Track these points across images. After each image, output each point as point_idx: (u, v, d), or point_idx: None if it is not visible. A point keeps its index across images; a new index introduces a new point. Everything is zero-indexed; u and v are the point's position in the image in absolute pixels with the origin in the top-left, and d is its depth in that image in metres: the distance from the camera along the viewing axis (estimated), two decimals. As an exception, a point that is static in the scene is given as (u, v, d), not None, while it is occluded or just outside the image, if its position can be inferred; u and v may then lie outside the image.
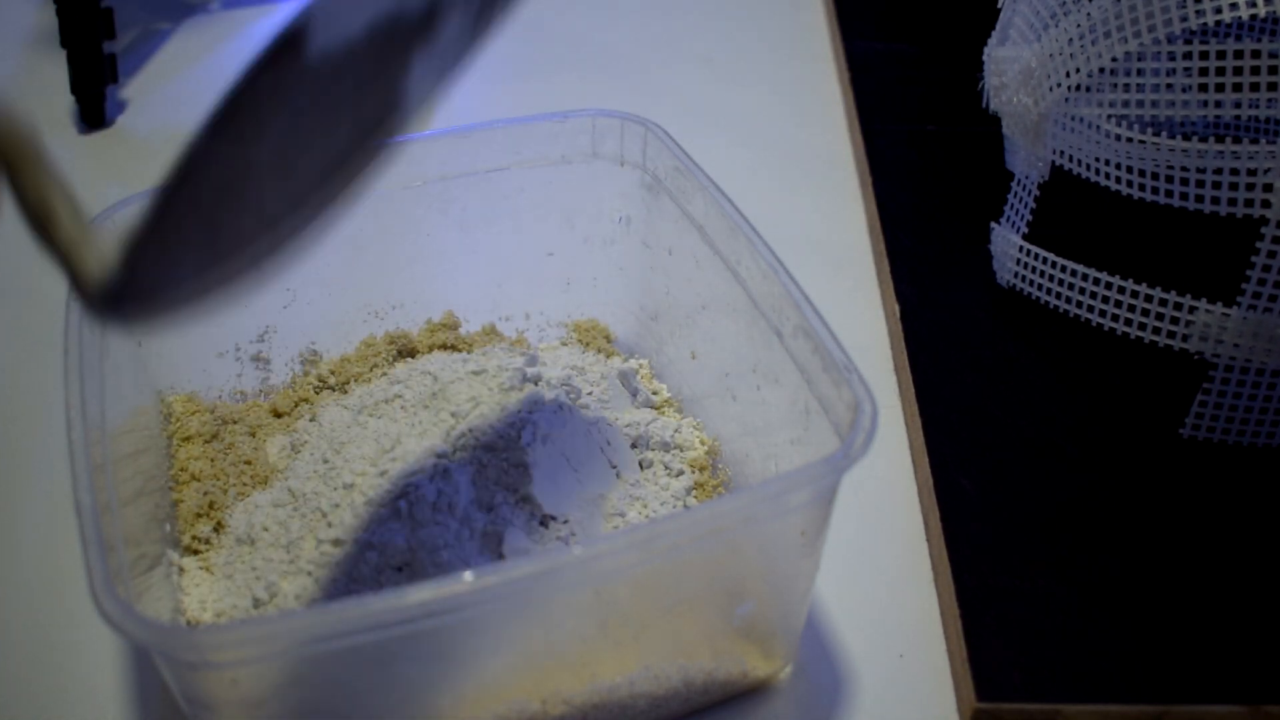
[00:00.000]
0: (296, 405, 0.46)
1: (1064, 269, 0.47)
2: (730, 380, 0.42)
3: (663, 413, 0.45)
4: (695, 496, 0.41)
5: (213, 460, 0.43)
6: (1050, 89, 0.46)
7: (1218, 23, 0.41)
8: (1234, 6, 0.41)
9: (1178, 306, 0.44)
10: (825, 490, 0.33)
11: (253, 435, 0.44)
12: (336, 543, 0.36)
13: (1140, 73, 0.44)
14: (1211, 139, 0.42)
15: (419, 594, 0.28)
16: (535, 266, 0.49)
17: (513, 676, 0.33)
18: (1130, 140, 0.44)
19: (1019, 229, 0.50)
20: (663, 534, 0.30)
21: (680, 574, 0.33)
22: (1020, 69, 0.48)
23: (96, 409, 0.35)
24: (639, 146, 0.45)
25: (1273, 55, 0.42)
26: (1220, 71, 0.42)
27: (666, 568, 0.32)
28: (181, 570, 0.38)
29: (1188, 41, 0.43)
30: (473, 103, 0.70)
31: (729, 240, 0.41)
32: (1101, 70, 0.44)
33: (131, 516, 0.35)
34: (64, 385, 0.34)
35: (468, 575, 0.28)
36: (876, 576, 0.42)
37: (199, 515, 0.40)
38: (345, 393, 0.46)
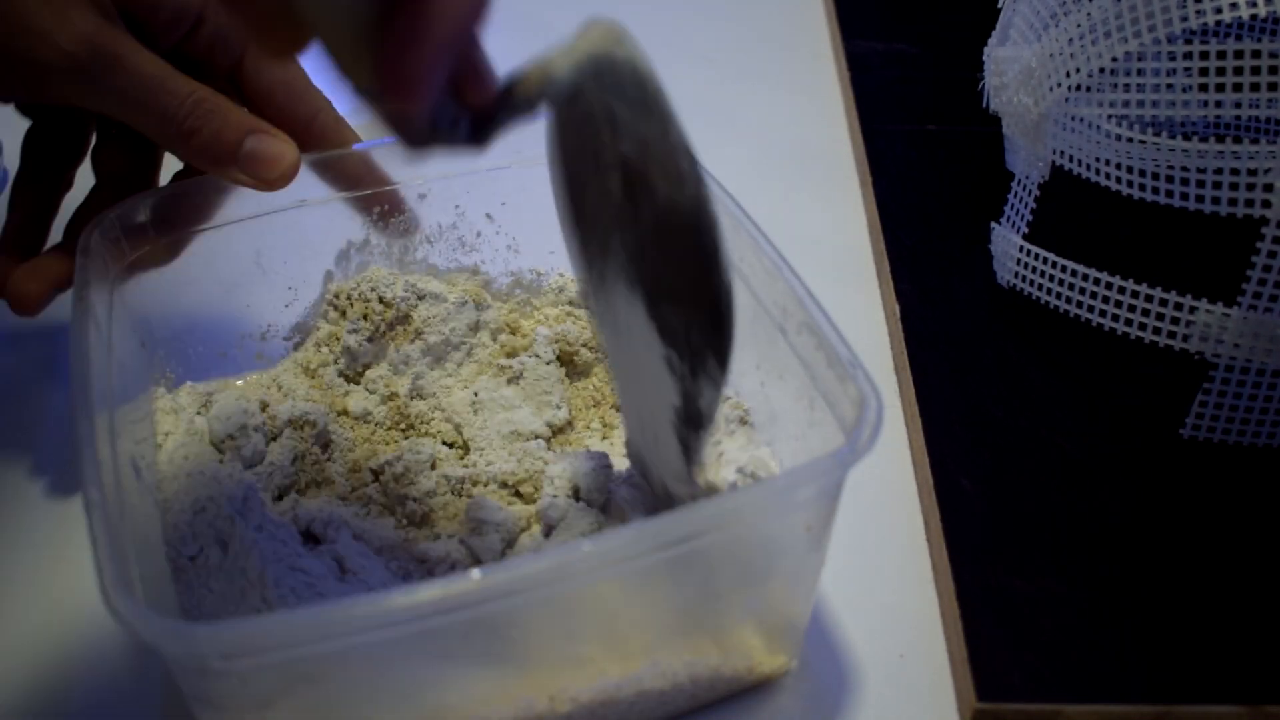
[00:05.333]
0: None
1: (1064, 269, 0.47)
2: (734, 377, 0.42)
3: None
4: None
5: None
6: (1050, 89, 0.46)
7: (1218, 23, 0.41)
8: (1234, 6, 0.41)
9: (1178, 306, 0.44)
10: (831, 485, 0.33)
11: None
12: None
13: (1140, 73, 0.44)
14: (1211, 139, 0.42)
15: (424, 592, 0.28)
16: (539, 266, 0.49)
17: (520, 673, 0.33)
18: (1130, 140, 0.44)
19: (1019, 229, 0.50)
20: (668, 530, 0.30)
21: (687, 569, 0.33)
22: (1020, 69, 0.48)
23: (104, 407, 0.34)
24: None
25: (1273, 55, 0.42)
26: (1220, 71, 0.42)
27: (673, 563, 0.32)
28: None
29: (1188, 41, 0.43)
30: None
31: (732, 238, 0.40)
32: (1101, 70, 0.44)
33: (137, 514, 0.35)
34: (69, 383, 0.34)
35: (475, 573, 0.28)
36: (877, 576, 0.42)
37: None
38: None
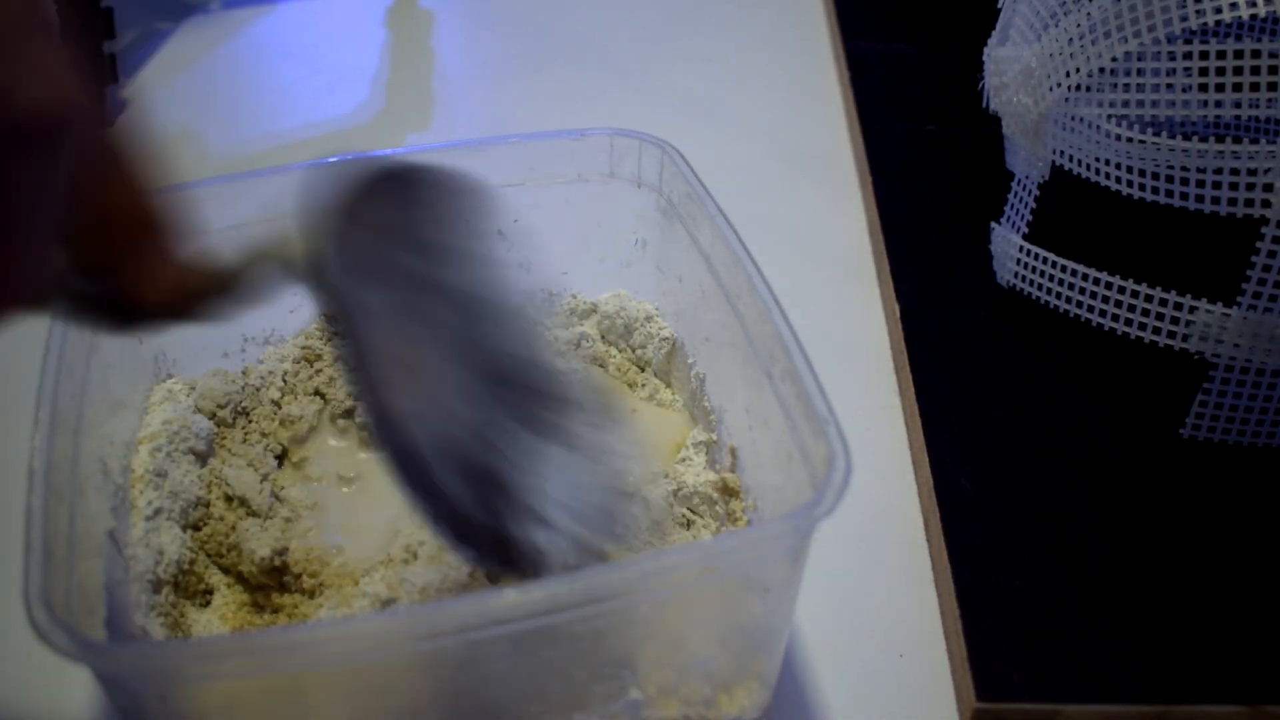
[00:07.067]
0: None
1: (1064, 269, 0.47)
2: (726, 416, 0.42)
3: None
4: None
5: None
6: (1050, 89, 0.46)
7: (1218, 23, 0.41)
8: (1234, 6, 0.41)
9: (1178, 306, 0.44)
10: (785, 550, 0.31)
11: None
12: None
13: (1140, 73, 0.44)
14: (1211, 139, 0.42)
15: (336, 629, 0.27)
16: (551, 286, 0.48)
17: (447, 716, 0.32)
18: (1130, 140, 0.44)
19: (1019, 229, 0.50)
20: (603, 586, 0.29)
21: (630, 622, 0.31)
22: (1020, 69, 0.48)
23: (71, 407, 0.34)
24: (656, 169, 0.44)
25: (1273, 55, 0.42)
26: (1220, 71, 0.42)
27: (615, 614, 0.31)
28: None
29: (1188, 41, 0.43)
30: (475, 100, 0.70)
31: (731, 274, 0.39)
32: (1101, 70, 0.44)
33: (93, 519, 0.34)
34: (38, 385, 0.33)
35: (401, 611, 0.28)
36: (876, 576, 0.42)
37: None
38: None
